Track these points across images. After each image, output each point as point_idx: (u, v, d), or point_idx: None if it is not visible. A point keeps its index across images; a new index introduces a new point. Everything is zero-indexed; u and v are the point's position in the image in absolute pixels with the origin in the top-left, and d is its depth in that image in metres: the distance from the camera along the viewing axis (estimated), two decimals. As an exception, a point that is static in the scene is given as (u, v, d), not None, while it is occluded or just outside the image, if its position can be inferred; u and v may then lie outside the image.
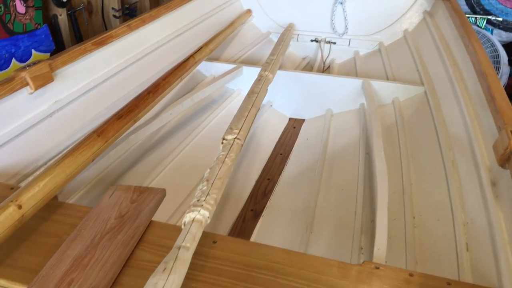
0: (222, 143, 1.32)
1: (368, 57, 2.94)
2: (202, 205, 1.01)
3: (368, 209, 1.60)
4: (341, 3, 3.01)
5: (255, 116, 1.53)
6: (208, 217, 0.99)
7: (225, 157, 1.22)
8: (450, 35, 2.18)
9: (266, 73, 1.92)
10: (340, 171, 1.90)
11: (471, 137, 1.49)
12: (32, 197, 1.06)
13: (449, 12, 2.29)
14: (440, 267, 1.26)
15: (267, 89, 1.83)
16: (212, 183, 1.10)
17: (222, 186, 1.11)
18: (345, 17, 3.04)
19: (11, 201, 1.01)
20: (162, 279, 0.79)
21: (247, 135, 1.39)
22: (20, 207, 1.01)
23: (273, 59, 2.13)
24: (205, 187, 1.07)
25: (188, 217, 0.98)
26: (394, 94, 2.24)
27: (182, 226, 0.98)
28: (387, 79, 2.47)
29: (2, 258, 1.00)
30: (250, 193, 1.87)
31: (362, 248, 1.43)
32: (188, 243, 0.90)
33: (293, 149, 2.20)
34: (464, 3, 3.85)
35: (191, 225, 0.96)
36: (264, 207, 1.78)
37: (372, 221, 1.50)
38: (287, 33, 2.86)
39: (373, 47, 2.99)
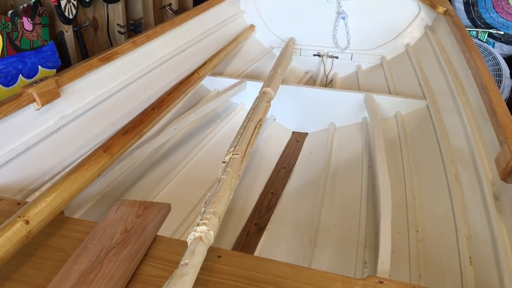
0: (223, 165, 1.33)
1: (370, 71, 2.96)
2: (210, 225, 1.01)
3: (372, 223, 1.61)
4: (343, 18, 3.05)
5: (254, 131, 1.54)
6: (209, 231, 0.99)
7: (223, 173, 1.23)
8: (452, 49, 2.20)
9: (267, 88, 1.94)
10: (344, 184, 1.91)
11: (473, 151, 1.50)
12: (39, 213, 1.07)
13: (450, 27, 2.32)
14: (443, 280, 1.26)
15: (269, 104, 1.85)
16: (213, 201, 1.11)
17: (224, 202, 1.12)
18: (347, 32, 3.07)
19: (19, 217, 1.02)
20: None
21: (246, 150, 1.39)
22: (27, 222, 1.03)
23: (274, 74, 2.16)
24: (203, 208, 1.08)
25: (190, 238, 0.99)
26: (397, 108, 2.26)
27: (188, 241, 0.99)
28: (390, 93, 2.48)
29: (9, 273, 1.01)
30: (254, 207, 1.87)
31: (366, 262, 1.43)
32: (195, 265, 0.90)
33: (296, 163, 2.22)
34: (465, 17, 3.88)
35: (194, 245, 0.96)
36: (268, 221, 1.78)
37: (376, 234, 1.51)
38: (288, 47, 2.88)
39: (375, 61, 3.01)
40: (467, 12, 3.88)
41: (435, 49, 2.41)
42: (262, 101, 1.79)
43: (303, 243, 1.61)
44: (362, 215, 1.65)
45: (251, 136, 1.48)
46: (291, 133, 2.53)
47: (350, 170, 2.00)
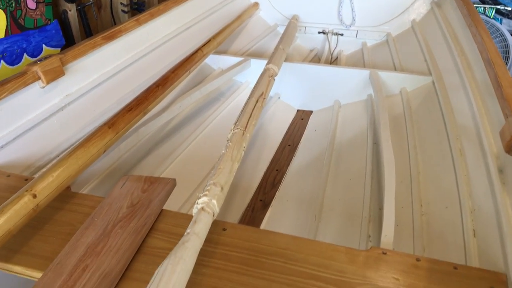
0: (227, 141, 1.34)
1: (375, 48, 2.94)
2: (211, 195, 1.03)
3: (376, 198, 1.61)
4: None
5: (255, 105, 1.53)
6: (211, 200, 1.01)
7: (227, 148, 1.24)
8: (458, 25, 2.18)
9: (271, 66, 1.93)
10: (348, 161, 1.91)
11: (478, 125, 1.49)
12: (46, 187, 1.09)
13: (457, 2, 2.29)
14: (447, 253, 1.27)
15: (272, 79, 1.84)
16: (219, 174, 1.12)
17: (225, 173, 1.13)
18: (353, 9, 3.03)
19: (26, 191, 1.04)
20: (172, 265, 0.81)
21: (247, 123, 1.40)
22: (35, 196, 1.04)
23: (278, 52, 2.15)
24: (212, 180, 1.09)
25: (197, 207, 1.00)
26: (402, 84, 2.25)
27: (193, 215, 1.00)
28: (395, 69, 2.47)
29: (18, 246, 1.04)
30: (259, 183, 1.89)
31: (370, 236, 1.44)
32: (197, 232, 0.92)
33: (301, 140, 2.22)
34: (472, -8, 3.82)
35: (200, 214, 0.98)
36: (273, 197, 1.80)
37: (380, 209, 1.52)
38: (291, 24, 2.86)
39: (381, 38, 2.98)
40: (475, -13, 3.83)
41: (441, 25, 2.38)
42: (264, 76, 1.79)
43: (307, 218, 1.62)
44: (366, 191, 1.66)
45: (252, 110, 1.48)
46: (296, 111, 2.53)
47: (355, 147, 2.00)
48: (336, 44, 3.13)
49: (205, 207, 0.98)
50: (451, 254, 1.25)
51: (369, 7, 3.01)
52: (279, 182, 1.90)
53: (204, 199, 1.00)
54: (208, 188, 1.04)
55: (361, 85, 2.33)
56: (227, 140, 1.32)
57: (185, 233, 0.90)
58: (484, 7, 3.83)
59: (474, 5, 2.26)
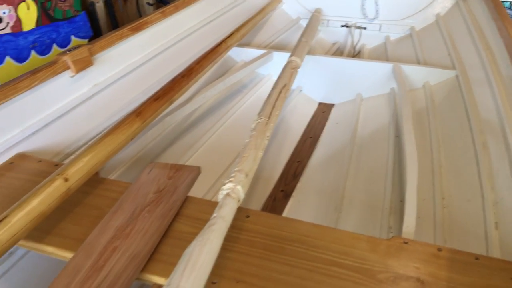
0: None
1: (399, 42, 2.92)
2: (236, 181, 1.05)
3: (398, 190, 1.62)
4: None
5: (278, 96, 1.55)
6: (236, 186, 1.03)
7: (251, 137, 1.27)
8: (483, 19, 2.15)
9: (294, 58, 1.94)
10: (370, 154, 1.92)
11: (502, 120, 1.48)
12: (77, 172, 1.13)
13: (483, -4, 2.26)
14: (468, 245, 1.28)
15: (295, 71, 1.85)
16: (244, 161, 1.15)
17: (250, 160, 1.15)
18: (376, 2, 3.01)
19: (58, 175, 1.08)
20: (199, 246, 0.84)
21: (270, 112, 1.42)
22: (66, 180, 1.09)
23: (301, 44, 2.15)
24: (237, 167, 1.12)
25: (222, 192, 1.03)
26: (425, 78, 2.23)
27: (219, 201, 1.03)
28: (418, 63, 2.45)
29: (50, 228, 1.08)
30: (281, 174, 1.91)
31: (391, 227, 1.45)
32: (223, 216, 0.94)
33: (322, 133, 2.23)
34: (499, -14, 3.75)
35: (226, 199, 1.01)
36: (294, 188, 1.81)
37: (401, 201, 1.52)
38: (314, 17, 2.86)
39: (405, 32, 2.96)
40: (502, -19, 3.76)
41: (466, 19, 2.36)
42: (287, 68, 1.81)
43: (328, 209, 1.64)
44: (387, 183, 1.66)
45: (276, 100, 1.50)
46: (318, 104, 2.53)
47: (377, 140, 2.00)
48: (359, 38, 3.12)
49: (231, 192, 1.01)
50: (472, 246, 1.26)
51: (393, 0, 2.98)
52: (300, 173, 1.91)
53: (229, 185, 1.03)
54: (233, 174, 1.06)
55: (384, 79, 2.33)
56: (251, 130, 1.34)
57: (212, 217, 0.93)
58: (511, 2, 3.76)
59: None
